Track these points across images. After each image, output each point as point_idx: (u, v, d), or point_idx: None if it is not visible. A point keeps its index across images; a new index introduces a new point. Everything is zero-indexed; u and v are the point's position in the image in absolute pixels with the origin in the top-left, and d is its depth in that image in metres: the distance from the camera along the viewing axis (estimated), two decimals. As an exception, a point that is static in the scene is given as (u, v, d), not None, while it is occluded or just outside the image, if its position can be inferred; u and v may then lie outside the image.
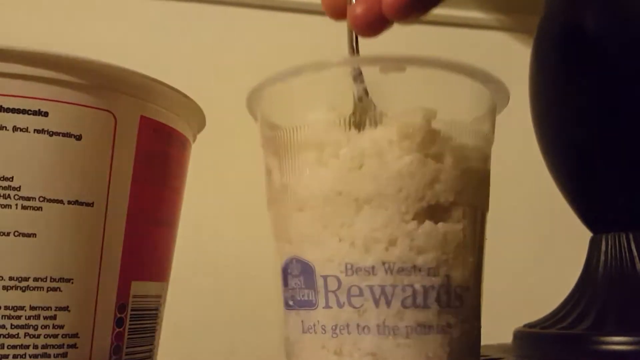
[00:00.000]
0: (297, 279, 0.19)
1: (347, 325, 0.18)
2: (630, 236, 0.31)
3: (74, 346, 0.19)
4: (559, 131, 0.34)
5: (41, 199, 0.18)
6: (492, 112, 0.21)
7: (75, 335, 0.19)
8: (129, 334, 0.21)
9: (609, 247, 0.32)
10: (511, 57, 0.38)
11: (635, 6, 0.33)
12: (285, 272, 0.20)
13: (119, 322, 0.20)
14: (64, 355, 0.19)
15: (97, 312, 0.20)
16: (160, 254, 0.23)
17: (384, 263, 0.18)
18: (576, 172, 0.33)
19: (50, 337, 0.18)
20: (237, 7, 0.40)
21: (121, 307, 0.21)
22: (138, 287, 0.21)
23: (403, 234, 0.18)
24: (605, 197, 0.32)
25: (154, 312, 0.23)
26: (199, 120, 0.25)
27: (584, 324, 0.31)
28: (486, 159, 0.21)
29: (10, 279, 0.18)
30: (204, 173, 0.36)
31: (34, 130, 0.18)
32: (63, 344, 0.19)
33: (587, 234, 0.33)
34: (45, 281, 0.18)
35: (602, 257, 0.32)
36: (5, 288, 0.18)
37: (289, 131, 0.20)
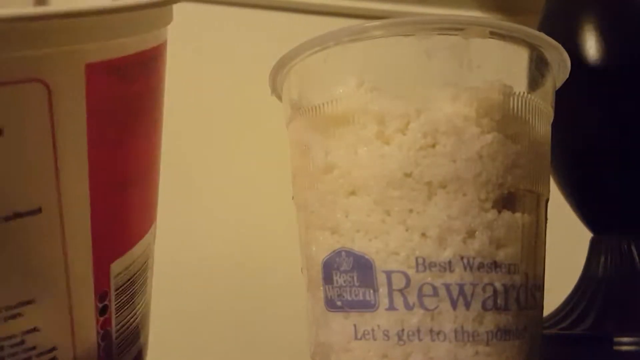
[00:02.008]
0: (348, 275, 0.16)
1: (418, 331, 0.15)
2: (631, 237, 0.31)
3: (53, 359, 0.16)
4: (559, 131, 0.33)
5: None
6: (554, 87, 0.19)
7: (53, 349, 0.16)
8: (116, 312, 0.18)
9: (610, 247, 0.31)
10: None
11: (637, 6, 0.33)
12: (329, 267, 0.17)
13: (103, 311, 0.17)
14: None
15: (74, 316, 0.16)
16: (139, 213, 0.19)
17: (462, 258, 0.15)
18: (576, 172, 0.33)
19: None
20: (238, 7, 0.38)
21: (102, 295, 0.17)
22: (118, 265, 0.17)
23: (483, 225, 0.16)
24: (605, 198, 0.32)
25: (142, 268, 0.19)
26: (168, 10, 0.19)
27: (584, 325, 0.30)
28: (549, 141, 0.19)
29: None
30: (202, 173, 0.35)
31: None
32: None
33: (588, 235, 0.32)
34: (1, 314, 0.15)
35: (603, 258, 0.31)
36: None
37: (337, 101, 0.17)
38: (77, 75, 0.14)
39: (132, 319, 0.19)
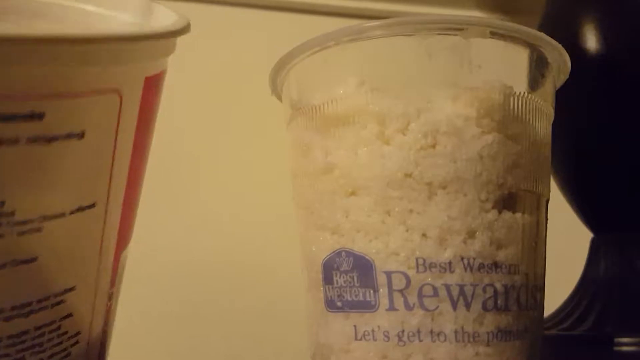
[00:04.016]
0: (348, 276, 0.16)
1: (418, 332, 0.15)
2: (631, 237, 0.31)
3: (75, 343, 0.17)
4: (560, 131, 0.33)
5: (41, 219, 0.15)
6: (554, 87, 0.19)
7: (77, 334, 0.17)
8: (115, 299, 0.19)
9: (610, 247, 0.31)
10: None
11: (637, 5, 0.33)
12: (329, 268, 0.17)
13: (110, 297, 0.18)
14: (67, 355, 0.17)
15: (96, 303, 0.17)
16: (137, 206, 0.20)
17: (462, 258, 0.15)
18: (576, 172, 0.33)
19: (54, 346, 0.16)
20: (238, 7, 0.38)
21: (112, 281, 0.18)
22: (124, 254, 0.19)
23: (483, 225, 0.16)
24: (605, 198, 0.32)
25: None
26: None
27: (585, 325, 0.30)
28: (550, 142, 0.19)
29: (13, 309, 0.15)
30: (201, 174, 0.35)
31: (27, 139, 0.14)
32: (66, 347, 0.17)
33: (588, 235, 0.32)
34: (49, 299, 0.16)
35: (603, 258, 0.31)
36: (7, 319, 0.15)
37: (337, 101, 0.17)
38: (139, 87, 0.16)
39: (115, 310, 0.20)
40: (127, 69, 0.15)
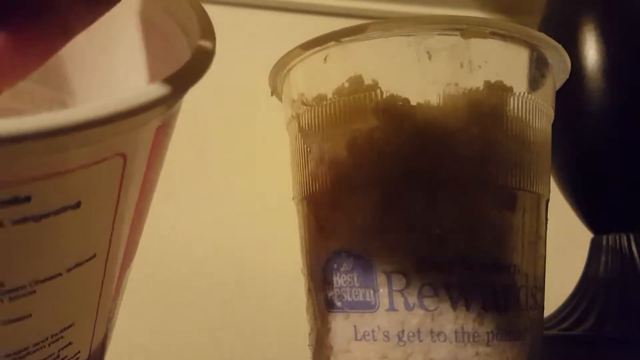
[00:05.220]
0: (348, 276, 0.16)
1: (418, 332, 0.15)
2: (631, 237, 0.31)
3: None
4: (560, 131, 0.33)
5: (33, 283, 0.14)
6: (554, 88, 0.19)
7: (77, 353, 0.17)
8: (116, 310, 0.19)
9: (610, 247, 0.31)
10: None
11: (637, 6, 0.33)
12: (329, 268, 0.17)
13: (111, 310, 0.18)
14: None
15: (97, 324, 0.17)
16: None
17: (462, 258, 0.15)
18: (576, 172, 0.33)
19: None
20: (238, 7, 0.38)
21: (114, 297, 0.18)
22: (128, 272, 0.19)
23: (484, 225, 0.16)
24: (605, 197, 0.32)
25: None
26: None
27: (585, 325, 0.30)
28: (549, 141, 0.19)
29: (7, 356, 0.15)
30: (201, 174, 0.35)
31: (12, 222, 0.13)
32: None
33: (588, 235, 0.32)
34: (46, 341, 0.15)
35: (603, 258, 0.31)
36: None
37: (337, 101, 0.17)
38: (149, 139, 0.15)
39: (117, 314, 0.20)
40: (133, 134, 0.14)
